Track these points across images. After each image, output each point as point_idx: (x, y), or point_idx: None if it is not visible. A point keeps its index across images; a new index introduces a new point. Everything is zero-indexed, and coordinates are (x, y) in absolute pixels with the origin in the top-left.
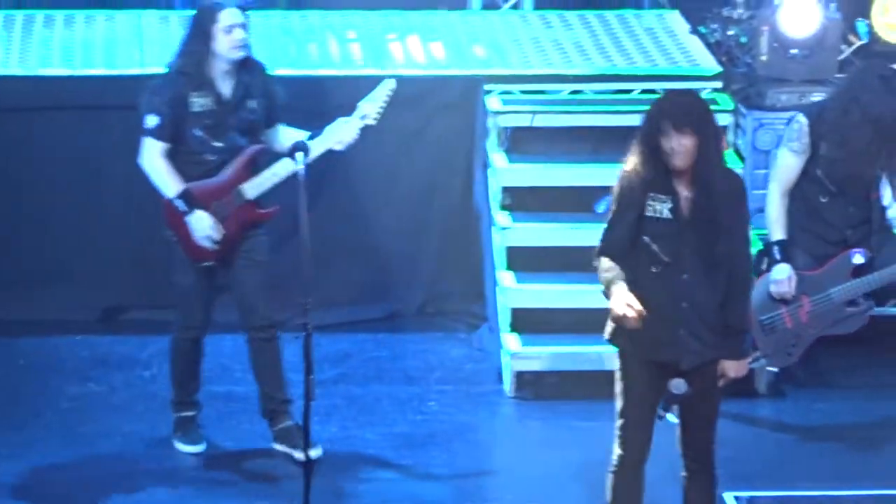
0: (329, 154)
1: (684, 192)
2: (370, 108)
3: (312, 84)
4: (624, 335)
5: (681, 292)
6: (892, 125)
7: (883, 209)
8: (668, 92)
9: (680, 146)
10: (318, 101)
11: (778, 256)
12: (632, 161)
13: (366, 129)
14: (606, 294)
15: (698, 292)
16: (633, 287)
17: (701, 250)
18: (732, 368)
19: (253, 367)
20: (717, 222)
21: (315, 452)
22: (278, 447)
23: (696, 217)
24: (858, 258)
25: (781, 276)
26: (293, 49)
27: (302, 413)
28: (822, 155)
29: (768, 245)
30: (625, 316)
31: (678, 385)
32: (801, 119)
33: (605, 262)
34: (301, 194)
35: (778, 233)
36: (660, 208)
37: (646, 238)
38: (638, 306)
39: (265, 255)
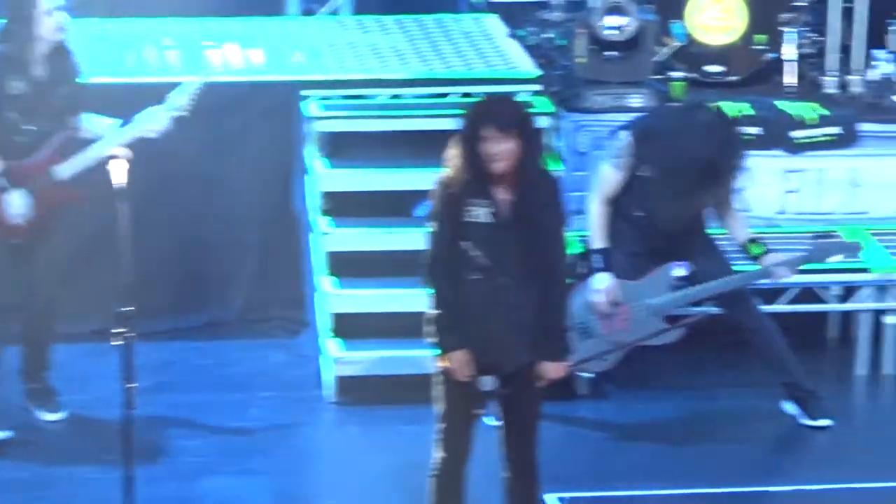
0: (148, 159)
1: (503, 195)
2: (180, 98)
3: (129, 91)
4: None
5: (501, 295)
6: (717, 170)
7: (701, 220)
8: (487, 96)
9: (501, 150)
10: (135, 108)
11: (599, 265)
12: (451, 166)
13: (186, 133)
14: (439, 330)
15: (518, 295)
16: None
17: (519, 253)
18: (551, 370)
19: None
20: (535, 225)
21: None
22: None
23: (515, 220)
24: (679, 271)
25: (601, 286)
26: (110, 56)
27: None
28: (645, 177)
29: (589, 252)
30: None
31: (485, 382)
32: (627, 136)
33: (442, 290)
34: (120, 203)
35: (598, 241)
36: (479, 213)
37: (465, 244)
38: (468, 370)
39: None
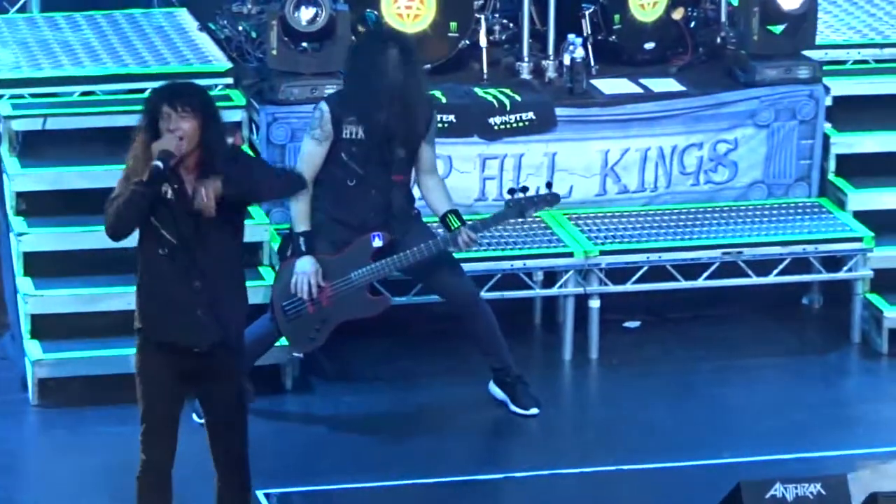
0: None
1: (188, 176)
2: None
3: None
4: (143, 323)
5: (193, 273)
6: (400, 98)
7: (407, 192)
8: (167, 82)
9: (181, 130)
10: None
11: (303, 248)
12: (133, 151)
13: None
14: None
15: (212, 271)
16: (144, 271)
17: (210, 230)
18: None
19: None
20: (226, 204)
21: None
22: None
23: (192, 199)
24: (377, 241)
25: (305, 269)
26: None
27: None
28: (345, 138)
29: (293, 235)
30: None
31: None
32: (323, 107)
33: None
34: None
35: (302, 224)
36: (166, 190)
37: (153, 219)
38: None
39: None
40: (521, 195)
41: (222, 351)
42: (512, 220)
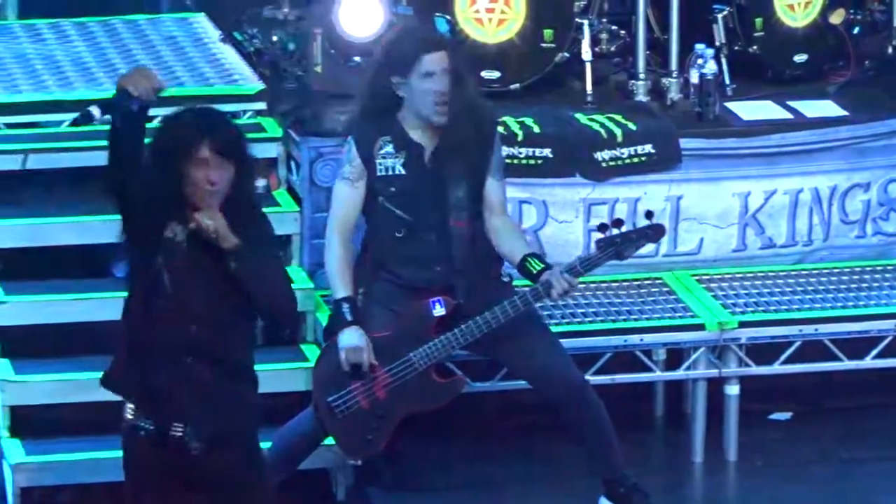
0: None
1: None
2: None
3: None
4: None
5: (186, 339)
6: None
7: (467, 237)
8: (198, 108)
9: (220, 178)
10: None
11: (347, 316)
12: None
13: None
14: None
15: (205, 333)
16: (126, 327)
17: (211, 285)
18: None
19: None
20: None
21: None
22: None
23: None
24: (438, 309)
25: (351, 343)
26: None
27: None
28: (380, 176)
29: (333, 303)
30: None
31: None
32: (350, 140)
33: None
34: None
35: (341, 288)
36: (178, 234)
37: (158, 260)
38: None
39: None
40: (614, 231)
41: (228, 451)
42: (606, 263)
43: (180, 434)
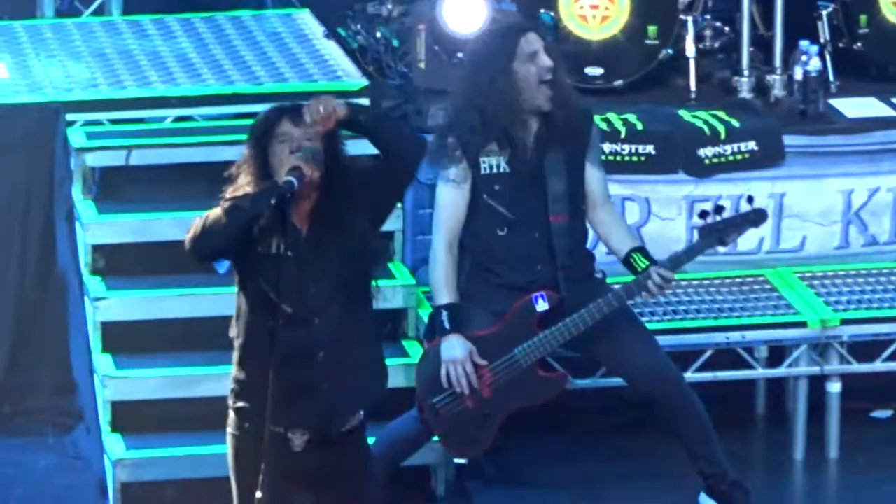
0: None
1: (302, 226)
2: None
3: None
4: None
5: (314, 339)
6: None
7: (577, 240)
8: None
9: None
10: None
11: (447, 325)
12: (240, 182)
13: None
14: None
15: (335, 336)
16: (247, 345)
17: (336, 292)
18: None
19: None
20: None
21: None
22: None
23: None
24: (542, 304)
25: (454, 355)
26: None
27: None
28: (484, 174)
29: (434, 309)
30: None
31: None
32: (451, 139)
33: None
34: None
35: (444, 295)
36: (279, 244)
37: (261, 283)
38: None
39: None
40: (716, 218)
41: (349, 441)
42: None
43: (282, 431)
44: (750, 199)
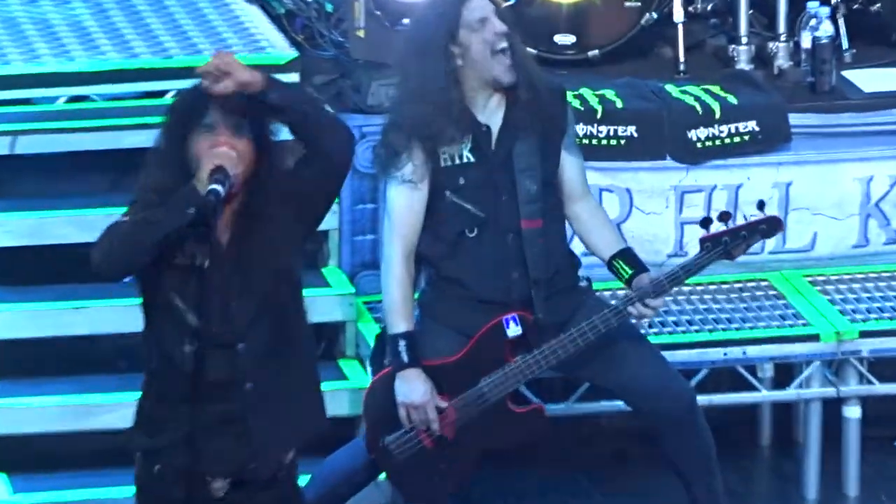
0: None
1: (224, 234)
2: None
3: None
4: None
5: (239, 366)
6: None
7: (545, 237)
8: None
9: (235, 151)
10: None
11: (404, 357)
12: (150, 178)
13: None
14: None
15: (263, 362)
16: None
17: (255, 301)
18: None
19: None
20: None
21: None
22: None
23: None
24: (513, 328)
25: (411, 398)
26: None
27: None
28: (445, 167)
29: (389, 338)
30: None
31: None
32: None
33: None
34: None
35: (401, 320)
36: (196, 256)
37: (175, 299)
38: None
39: None
40: (721, 226)
41: (278, 483)
42: (711, 266)
43: (200, 474)
44: (761, 205)
